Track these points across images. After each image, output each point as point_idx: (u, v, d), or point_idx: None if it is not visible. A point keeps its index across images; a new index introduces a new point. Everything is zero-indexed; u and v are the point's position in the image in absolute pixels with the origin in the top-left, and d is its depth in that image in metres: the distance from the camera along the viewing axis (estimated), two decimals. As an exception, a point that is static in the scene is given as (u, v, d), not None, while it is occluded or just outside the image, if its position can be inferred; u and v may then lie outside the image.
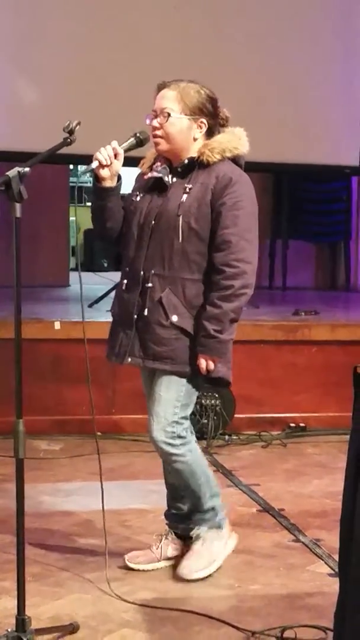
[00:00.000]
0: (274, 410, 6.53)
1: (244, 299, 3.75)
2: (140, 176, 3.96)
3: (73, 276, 9.61)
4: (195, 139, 3.81)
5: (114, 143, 3.75)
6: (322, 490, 5.20)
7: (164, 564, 4.03)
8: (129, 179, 3.96)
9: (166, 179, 3.82)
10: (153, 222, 3.78)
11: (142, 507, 4.83)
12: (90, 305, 7.03)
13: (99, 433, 4.06)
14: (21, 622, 3.17)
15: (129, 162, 3.84)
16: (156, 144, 3.82)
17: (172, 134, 3.78)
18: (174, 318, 3.74)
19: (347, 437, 2.84)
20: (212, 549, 3.98)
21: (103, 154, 3.74)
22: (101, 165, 3.75)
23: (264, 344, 6.53)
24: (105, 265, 11.99)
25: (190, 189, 3.76)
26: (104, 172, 3.77)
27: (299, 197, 9.70)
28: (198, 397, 4.29)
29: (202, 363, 3.74)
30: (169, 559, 4.04)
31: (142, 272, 3.78)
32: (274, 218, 9.63)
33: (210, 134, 3.83)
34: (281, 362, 6.59)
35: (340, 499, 2.83)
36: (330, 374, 6.52)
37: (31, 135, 6.97)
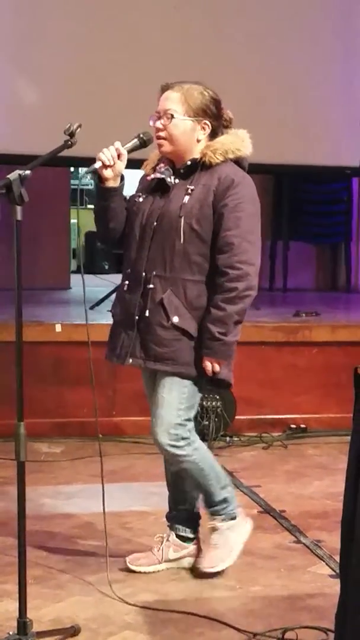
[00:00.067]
0: (275, 411, 6.53)
1: (248, 300, 3.75)
2: (143, 177, 3.96)
3: (74, 279, 9.62)
4: (198, 141, 3.82)
5: (117, 143, 3.76)
6: (323, 492, 5.21)
7: (165, 566, 4.03)
8: (132, 181, 3.97)
9: (169, 180, 3.82)
10: (155, 223, 3.78)
11: (143, 509, 4.83)
12: (91, 308, 7.04)
13: (100, 435, 4.04)
14: (22, 624, 3.17)
15: (133, 164, 3.85)
16: (159, 146, 3.83)
17: (176, 136, 3.79)
18: (175, 319, 3.74)
19: (348, 438, 2.84)
20: (229, 539, 4.00)
21: (106, 154, 3.75)
22: (104, 166, 3.76)
23: (264, 345, 6.53)
24: (106, 267, 11.99)
25: (192, 190, 3.77)
26: (107, 173, 3.78)
27: (299, 198, 9.70)
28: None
29: (208, 365, 3.75)
30: (170, 561, 4.04)
31: (143, 273, 3.79)
32: (275, 219, 9.63)
33: (213, 135, 3.84)
34: (282, 364, 6.59)
35: (341, 500, 2.83)
36: (331, 375, 6.53)
37: (31, 136, 6.98)
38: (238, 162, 3.83)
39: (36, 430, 5.83)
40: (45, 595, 3.73)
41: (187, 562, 4.06)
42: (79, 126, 3.33)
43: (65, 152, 3.39)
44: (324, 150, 8.09)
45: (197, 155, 3.81)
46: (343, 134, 8.13)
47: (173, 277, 3.75)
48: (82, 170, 13.21)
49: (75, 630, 3.38)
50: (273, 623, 3.48)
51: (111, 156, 3.75)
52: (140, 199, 3.87)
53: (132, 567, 3.99)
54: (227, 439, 6.21)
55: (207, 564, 3.97)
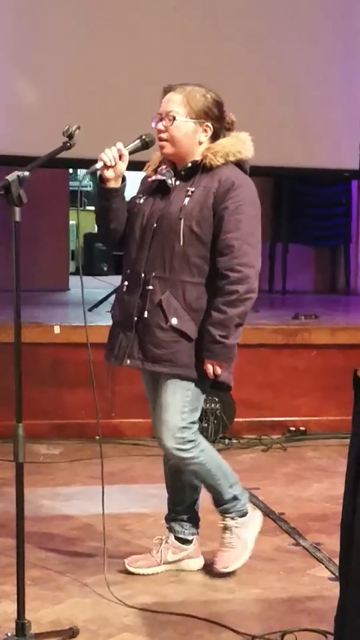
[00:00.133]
0: (274, 414, 6.53)
1: (249, 303, 3.75)
2: (144, 179, 3.96)
3: (73, 280, 9.61)
4: (200, 143, 3.81)
5: (119, 144, 3.76)
6: (322, 494, 5.20)
7: (164, 568, 4.03)
8: (134, 182, 3.97)
9: (169, 181, 3.82)
10: (155, 224, 3.78)
11: (142, 511, 4.82)
12: (90, 309, 7.03)
13: (97, 437, 4.04)
14: (21, 626, 3.17)
15: (135, 166, 3.85)
16: (161, 147, 3.83)
17: (177, 138, 3.78)
18: (174, 321, 3.73)
19: (347, 440, 2.83)
20: (241, 537, 4.01)
21: (108, 155, 3.75)
22: (106, 166, 3.76)
23: (263, 348, 6.53)
24: (105, 269, 11.99)
25: (192, 192, 3.76)
26: (109, 173, 3.78)
27: (298, 201, 9.71)
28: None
29: (209, 368, 3.74)
30: (169, 563, 4.04)
31: (142, 275, 3.78)
32: (274, 221, 9.63)
33: (215, 137, 3.83)
34: (281, 366, 6.59)
35: (341, 502, 2.82)
36: (330, 377, 6.52)
37: (30, 137, 6.98)
38: (239, 164, 3.83)
39: (35, 432, 5.82)
40: (44, 596, 3.73)
41: (186, 564, 4.06)
42: (78, 128, 3.33)
43: (64, 154, 3.39)
44: (323, 152, 8.09)
45: (198, 158, 3.80)
46: (343, 135, 8.13)
47: (172, 278, 3.74)
48: (80, 171, 13.24)
49: (73, 632, 3.37)
50: (272, 625, 3.48)
51: (113, 157, 3.75)
52: (141, 200, 3.86)
53: (131, 569, 3.98)
54: (226, 441, 6.21)
55: (221, 565, 3.98)
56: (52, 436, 6.21)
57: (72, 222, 11.20)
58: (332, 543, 4.20)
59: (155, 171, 3.89)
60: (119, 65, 7.47)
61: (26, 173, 3.15)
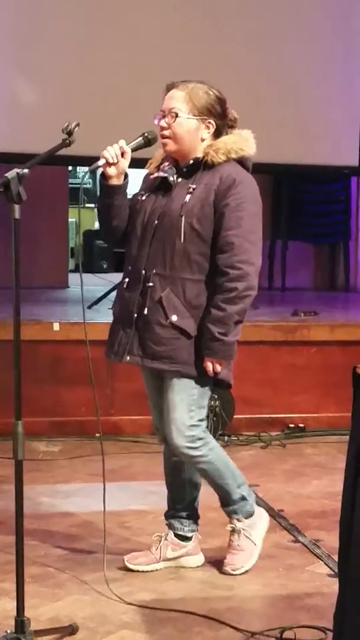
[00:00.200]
0: (273, 410, 6.53)
1: (248, 300, 3.75)
2: (147, 176, 3.97)
3: (72, 277, 9.61)
4: (203, 140, 3.81)
5: (122, 142, 3.76)
6: (322, 491, 5.20)
7: (163, 565, 4.03)
8: (137, 180, 3.97)
9: (171, 178, 3.82)
10: (156, 221, 3.78)
11: (141, 508, 4.83)
12: (89, 307, 7.03)
13: (97, 434, 4.05)
14: (20, 623, 3.16)
15: (138, 163, 3.85)
16: (164, 145, 3.83)
17: (180, 134, 3.78)
18: (174, 318, 3.74)
19: (347, 437, 2.84)
20: (250, 538, 4.02)
21: (110, 152, 3.75)
22: (108, 163, 3.76)
23: (263, 345, 6.53)
24: (105, 266, 11.99)
25: (194, 189, 3.77)
26: (111, 170, 3.78)
27: (298, 198, 9.70)
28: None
29: (209, 366, 3.75)
30: (168, 559, 4.04)
31: (143, 271, 3.79)
32: (273, 219, 9.62)
33: (218, 135, 3.84)
34: (280, 363, 6.59)
35: (340, 499, 2.83)
36: (329, 374, 6.52)
37: (30, 135, 6.98)
38: (241, 162, 3.83)
39: (34, 429, 5.82)
40: (43, 594, 3.73)
41: (185, 561, 4.06)
42: (77, 125, 3.33)
43: (64, 151, 3.39)
44: (323, 150, 8.09)
45: (200, 155, 3.80)
46: (342, 134, 8.13)
47: (173, 275, 3.75)
48: (80, 169, 13.26)
49: (73, 629, 3.37)
50: (271, 622, 3.48)
51: (115, 154, 3.75)
52: (143, 197, 3.87)
53: (130, 566, 3.99)
54: (226, 438, 6.20)
55: (231, 567, 3.99)
56: (52, 433, 6.21)
57: (71, 220, 11.20)
58: (331, 540, 4.21)
59: (158, 168, 3.89)
60: (119, 65, 7.46)
61: (25, 170, 3.15)
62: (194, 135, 3.80)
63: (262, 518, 4.10)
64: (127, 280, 3.87)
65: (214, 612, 3.58)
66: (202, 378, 3.79)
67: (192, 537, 4.07)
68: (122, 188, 3.84)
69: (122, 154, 3.76)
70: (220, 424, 6.18)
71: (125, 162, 3.78)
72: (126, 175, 3.84)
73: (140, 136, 3.81)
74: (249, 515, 4.04)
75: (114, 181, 3.82)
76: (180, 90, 3.80)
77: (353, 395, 2.82)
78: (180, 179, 3.83)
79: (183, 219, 3.73)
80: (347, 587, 2.79)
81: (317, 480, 5.44)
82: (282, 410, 6.54)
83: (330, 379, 6.50)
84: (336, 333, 6.69)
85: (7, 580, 3.67)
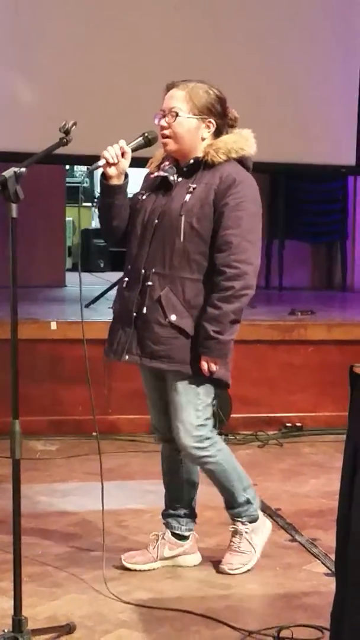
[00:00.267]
0: (271, 410, 6.53)
1: (245, 300, 3.75)
2: (147, 175, 3.97)
3: (69, 276, 9.61)
4: (203, 139, 3.81)
5: (122, 142, 3.76)
6: (319, 490, 5.21)
7: (160, 563, 4.03)
8: (137, 179, 3.97)
9: (171, 178, 3.82)
10: (156, 221, 3.78)
11: (138, 507, 4.83)
12: (86, 306, 7.03)
13: (94, 433, 4.05)
14: (18, 622, 3.17)
15: (138, 162, 3.85)
16: (164, 144, 3.83)
17: (180, 134, 3.78)
18: (173, 317, 3.74)
19: (344, 436, 2.84)
20: (251, 542, 4.02)
21: (110, 152, 3.75)
22: (108, 164, 3.76)
23: (260, 344, 6.53)
24: (102, 265, 11.99)
25: (194, 188, 3.77)
26: (111, 171, 3.78)
27: (295, 197, 9.70)
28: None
29: (204, 365, 3.75)
30: (165, 558, 4.04)
31: (142, 271, 3.79)
32: (271, 218, 9.62)
33: (218, 134, 3.83)
34: (277, 362, 6.59)
35: (337, 498, 2.83)
36: (326, 373, 6.53)
37: (28, 135, 6.97)
38: (242, 161, 3.83)
39: (31, 428, 5.82)
40: (41, 593, 3.73)
41: (183, 560, 4.07)
42: (74, 124, 3.33)
43: (61, 150, 3.39)
44: (320, 149, 8.09)
45: (200, 154, 3.80)
46: (340, 134, 8.13)
47: (172, 275, 3.75)
48: (77, 168, 13.26)
49: (70, 628, 3.37)
50: (269, 621, 3.48)
51: (115, 154, 3.75)
52: (143, 197, 3.87)
53: (128, 565, 3.99)
54: (223, 437, 6.16)
55: (228, 566, 3.99)
56: (49, 432, 6.20)
57: (68, 219, 11.20)
58: (328, 539, 4.21)
59: (159, 168, 3.89)
60: (117, 64, 7.46)
61: (23, 169, 3.15)
62: (194, 134, 3.80)
63: (265, 526, 4.10)
64: (126, 279, 3.87)
65: (211, 611, 3.58)
66: (203, 376, 3.79)
67: (189, 536, 4.08)
68: (123, 188, 3.84)
69: (123, 154, 3.76)
70: (217, 423, 6.16)
71: (125, 162, 3.78)
72: (126, 175, 3.84)
73: (141, 136, 3.81)
74: (253, 519, 4.04)
75: (114, 181, 3.82)
76: (181, 89, 3.80)
77: (350, 394, 2.82)
78: (180, 179, 3.83)
79: (183, 218, 3.73)
80: (344, 586, 2.79)
81: (315, 479, 5.44)
82: (279, 410, 6.54)
83: (327, 378, 6.50)
84: (333, 332, 6.69)
85: (5, 579, 3.67)
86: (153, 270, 3.77)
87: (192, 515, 4.10)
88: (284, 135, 7.79)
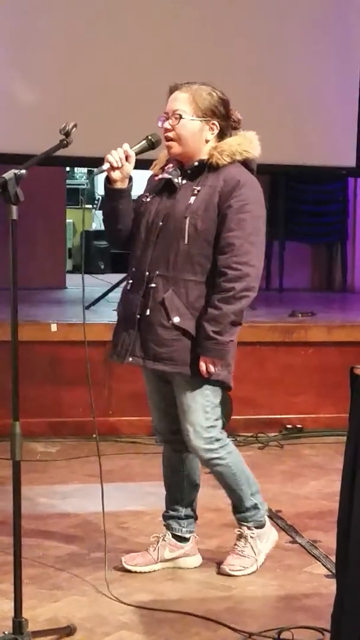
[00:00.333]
0: (271, 411, 6.53)
1: (245, 301, 3.75)
2: (151, 177, 3.97)
3: (70, 278, 9.61)
4: (207, 141, 3.81)
5: (126, 145, 3.76)
6: (319, 492, 5.21)
7: (161, 565, 4.03)
8: (141, 181, 3.97)
9: (176, 180, 3.82)
10: (161, 223, 3.79)
11: (139, 508, 4.83)
12: (86, 307, 7.03)
13: (93, 435, 4.04)
14: (18, 624, 3.17)
15: (142, 164, 3.85)
16: (168, 148, 3.82)
17: (184, 136, 3.78)
18: (176, 319, 3.74)
19: (344, 438, 2.84)
20: (255, 548, 4.02)
21: (114, 156, 3.75)
22: (112, 168, 3.76)
23: (260, 345, 6.53)
24: (102, 267, 11.99)
25: (198, 191, 3.77)
26: (115, 175, 3.78)
27: (295, 198, 9.69)
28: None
29: (202, 365, 3.75)
30: (166, 560, 4.04)
31: (146, 273, 3.79)
32: (271, 219, 9.59)
33: (222, 136, 3.83)
34: (278, 364, 6.59)
35: (337, 500, 2.83)
36: (327, 375, 6.52)
37: (28, 137, 6.96)
38: (246, 163, 3.83)
39: (32, 430, 5.83)
40: (41, 595, 3.73)
41: (183, 562, 4.06)
42: (75, 126, 3.33)
43: (61, 152, 3.39)
44: (320, 151, 8.08)
45: (205, 156, 3.80)
46: (340, 135, 8.12)
47: (175, 277, 3.75)
48: (77, 170, 13.26)
49: (70, 630, 3.38)
50: (269, 623, 3.48)
51: (119, 158, 3.75)
52: (148, 199, 3.87)
53: (128, 567, 3.99)
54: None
55: (229, 567, 4.00)
56: (49, 434, 6.20)
57: (69, 221, 11.19)
58: (328, 540, 4.21)
59: (162, 169, 3.89)
60: (117, 65, 7.45)
61: (23, 171, 3.15)
62: (198, 137, 3.80)
63: (271, 534, 4.10)
64: (130, 281, 3.87)
65: (211, 613, 3.58)
66: (194, 377, 3.79)
67: (189, 537, 4.07)
68: (127, 191, 3.84)
69: (127, 158, 3.76)
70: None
71: (129, 166, 3.78)
72: (130, 179, 3.83)
73: (144, 139, 3.81)
74: (259, 525, 4.04)
75: (119, 185, 3.81)
76: (184, 91, 3.80)
77: (350, 395, 2.82)
78: (184, 181, 3.83)
79: (187, 220, 3.73)
80: (344, 587, 2.79)
81: (315, 481, 5.44)
82: (279, 411, 6.54)
83: (327, 380, 6.50)
84: (334, 334, 6.69)
85: (5, 581, 3.67)
86: (157, 272, 3.77)
87: (192, 517, 4.10)
88: (284, 137, 7.78)
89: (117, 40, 7.48)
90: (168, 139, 3.81)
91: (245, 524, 4.02)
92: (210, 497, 4.45)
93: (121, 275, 7.60)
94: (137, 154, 3.78)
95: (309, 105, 7.96)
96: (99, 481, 3.76)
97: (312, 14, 7.94)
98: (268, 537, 4.07)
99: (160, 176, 3.88)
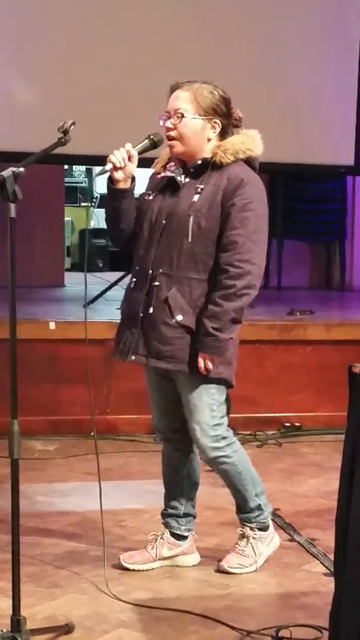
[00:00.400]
0: (269, 409, 6.53)
1: (246, 299, 3.75)
2: (153, 175, 3.96)
3: (68, 276, 9.62)
4: (209, 140, 3.81)
5: (128, 145, 3.76)
6: (318, 490, 5.21)
7: (159, 563, 4.03)
8: (143, 179, 3.97)
9: (179, 178, 3.82)
10: (164, 221, 3.79)
11: (137, 507, 4.83)
12: (85, 305, 7.02)
13: (92, 433, 4.05)
14: (16, 622, 3.16)
15: (144, 162, 3.85)
16: (171, 147, 3.82)
17: (186, 135, 3.78)
18: (179, 317, 3.74)
19: (342, 436, 2.84)
20: (256, 549, 4.02)
21: (117, 157, 3.74)
22: (115, 168, 3.76)
23: (259, 344, 6.53)
24: (100, 265, 11.99)
25: (202, 189, 3.77)
26: (118, 175, 3.78)
27: (294, 197, 9.70)
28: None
29: (200, 362, 3.75)
30: (164, 558, 4.04)
31: (150, 271, 3.79)
32: (269, 218, 9.58)
33: (223, 134, 3.84)
34: (276, 362, 6.59)
35: (336, 498, 2.83)
36: (325, 373, 6.53)
37: (26, 135, 6.97)
38: (249, 162, 3.83)
39: (30, 428, 5.82)
40: (39, 593, 3.73)
41: (181, 560, 4.07)
42: (73, 124, 3.32)
43: (60, 150, 3.38)
44: (319, 149, 8.09)
45: (207, 155, 3.80)
46: (338, 133, 8.13)
47: (179, 275, 3.75)
48: (76, 168, 13.26)
49: (69, 628, 3.38)
50: (267, 621, 3.48)
51: (122, 158, 3.75)
52: (150, 197, 3.87)
53: (126, 565, 3.99)
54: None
55: (228, 564, 3.99)
56: (48, 432, 6.20)
57: (67, 219, 11.20)
58: (327, 539, 4.21)
59: (164, 168, 3.89)
60: (117, 64, 7.45)
61: (21, 169, 3.15)
62: (200, 135, 3.80)
63: (274, 538, 4.10)
64: (134, 280, 3.87)
65: (209, 611, 3.58)
66: (193, 374, 3.79)
67: (188, 536, 4.07)
68: (130, 191, 3.84)
69: (129, 158, 3.76)
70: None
71: (132, 166, 3.78)
72: (133, 179, 3.83)
73: (146, 139, 3.81)
74: (263, 527, 4.04)
75: (121, 185, 3.81)
76: (185, 90, 3.80)
77: (349, 394, 2.82)
78: (187, 179, 3.83)
79: (191, 218, 3.73)
80: (343, 585, 2.79)
81: (313, 479, 5.44)
82: (278, 409, 6.54)
83: (326, 378, 6.50)
84: (332, 332, 6.69)
85: (3, 579, 3.67)
86: (160, 270, 3.77)
87: (191, 515, 4.10)
88: (283, 135, 7.78)
89: (117, 41, 7.48)
90: (170, 138, 3.81)
91: (248, 524, 4.02)
92: (209, 495, 4.45)
93: (120, 274, 7.62)
94: (139, 153, 3.78)
95: (309, 105, 7.96)
96: (97, 479, 3.76)
97: (312, 14, 7.95)
98: (270, 541, 4.07)
99: (162, 174, 3.87)
